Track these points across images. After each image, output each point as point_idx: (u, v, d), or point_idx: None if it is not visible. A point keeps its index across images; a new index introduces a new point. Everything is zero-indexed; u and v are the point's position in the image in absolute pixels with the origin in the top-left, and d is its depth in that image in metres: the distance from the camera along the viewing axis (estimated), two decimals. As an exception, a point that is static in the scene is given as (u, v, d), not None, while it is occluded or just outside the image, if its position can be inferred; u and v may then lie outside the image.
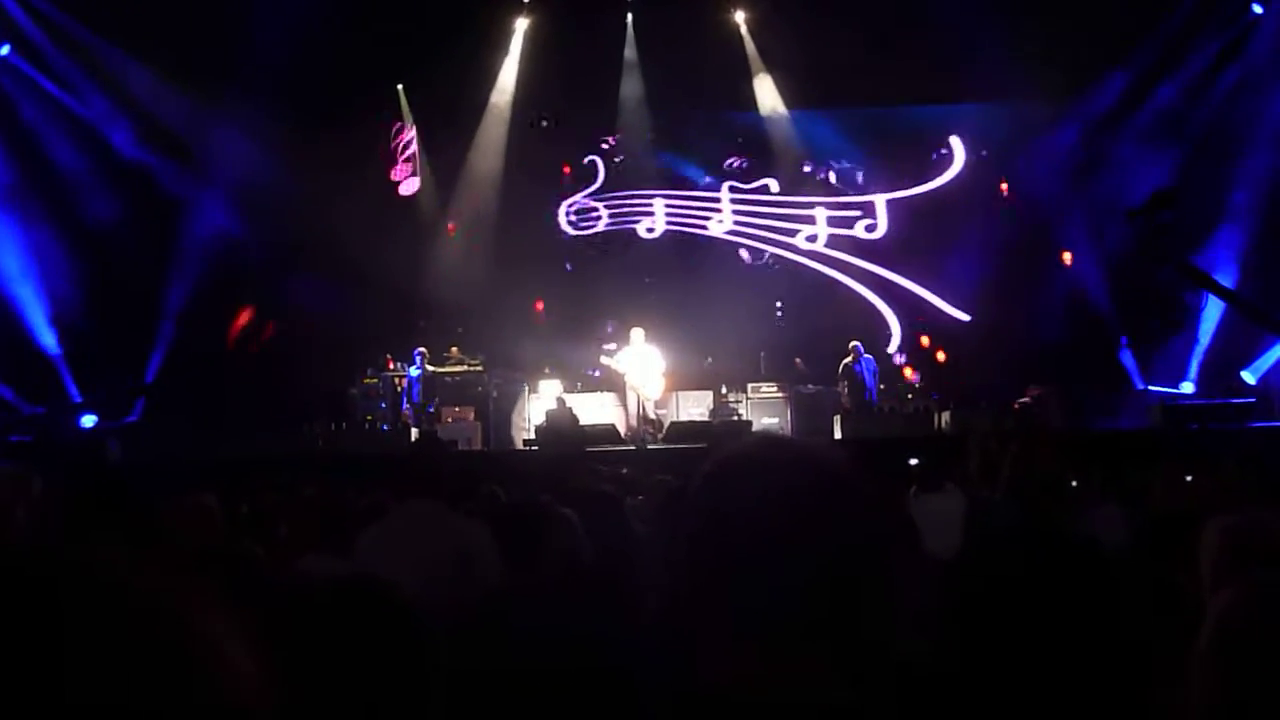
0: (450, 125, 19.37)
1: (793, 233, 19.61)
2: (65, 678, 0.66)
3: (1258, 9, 17.44)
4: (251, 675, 0.75)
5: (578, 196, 19.84)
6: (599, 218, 19.85)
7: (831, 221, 19.53)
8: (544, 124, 19.25)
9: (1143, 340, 17.21)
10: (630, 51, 19.37)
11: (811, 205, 19.55)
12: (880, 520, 1.35)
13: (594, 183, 19.89)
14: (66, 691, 0.66)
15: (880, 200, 19.34)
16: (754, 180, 19.73)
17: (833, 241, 19.46)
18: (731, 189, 19.81)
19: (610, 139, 19.72)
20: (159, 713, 0.69)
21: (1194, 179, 15.97)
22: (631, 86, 19.42)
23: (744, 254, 19.34)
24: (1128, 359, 17.48)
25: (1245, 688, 1.89)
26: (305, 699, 1.48)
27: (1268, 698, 1.86)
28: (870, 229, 19.42)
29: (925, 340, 18.30)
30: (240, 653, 0.75)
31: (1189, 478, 7.30)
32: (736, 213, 19.77)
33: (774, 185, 19.65)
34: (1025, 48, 16.36)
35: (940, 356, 17.99)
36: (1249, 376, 16.30)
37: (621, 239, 19.74)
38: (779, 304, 18.88)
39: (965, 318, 18.51)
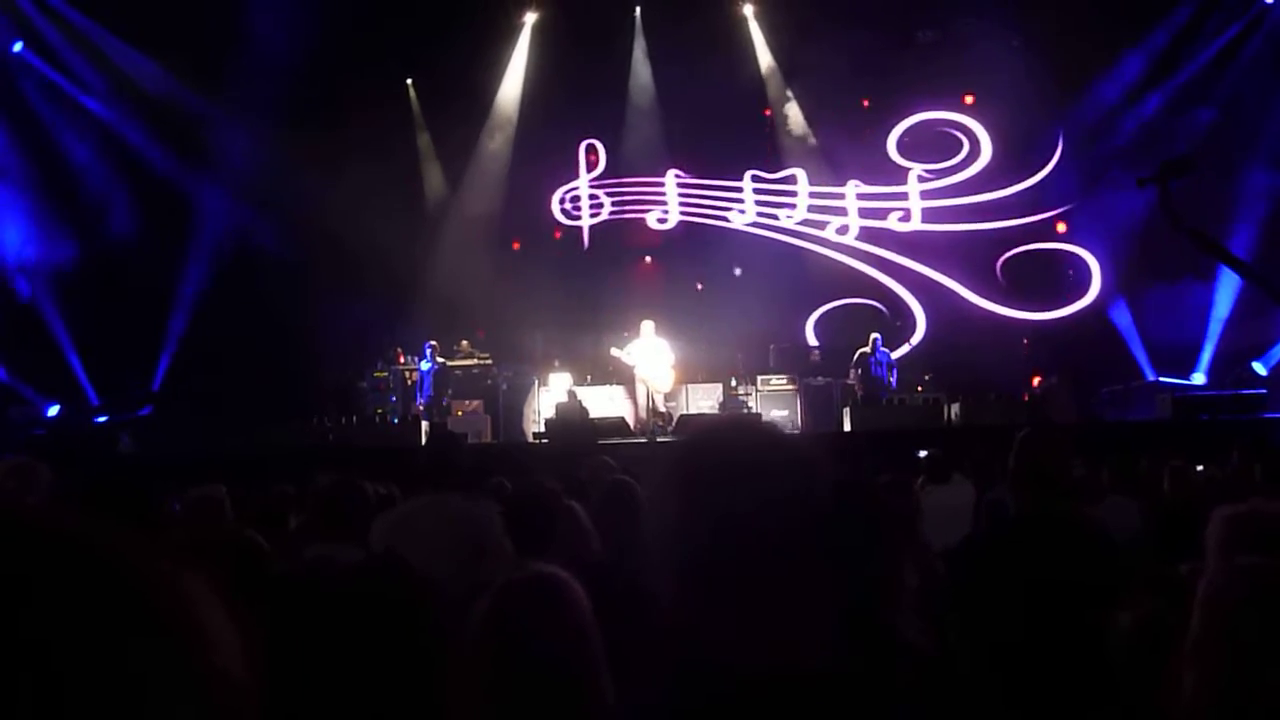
0: (459, 119, 19.38)
1: (822, 224, 19.28)
2: (56, 648, 0.68)
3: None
4: (240, 653, 0.76)
5: (577, 183, 19.70)
6: (600, 205, 19.69)
7: (864, 213, 19.18)
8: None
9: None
10: (639, 42, 19.31)
11: (843, 196, 19.18)
12: (837, 497, 1.39)
13: (595, 169, 19.66)
14: (55, 661, 0.67)
15: (914, 190, 19.07)
16: (780, 170, 19.41)
17: (864, 233, 19.13)
18: (755, 178, 19.39)
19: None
20: (144, 681, 0.70)
21: (1212, 156, 15.96)
22: (640, 78, 19.35)
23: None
24: (1138, 349, 17.46)
25: (1230, 666, 1.91)
26: (324, 673, 1.51)
27: (1250, 674, 1.88)
28: (904, 219, 19.14)
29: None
30: (231, 631, 0.76)
31: (1199, 468, 7.31)
32: (760, 204, 19.42)
33: (802, 176, 19.31)
34: (1039, 33, 16.34)
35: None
36: (1260, 368, 16.27)
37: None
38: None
39: (1000, 310, 18.40)
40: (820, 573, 1.33)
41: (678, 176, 19.44)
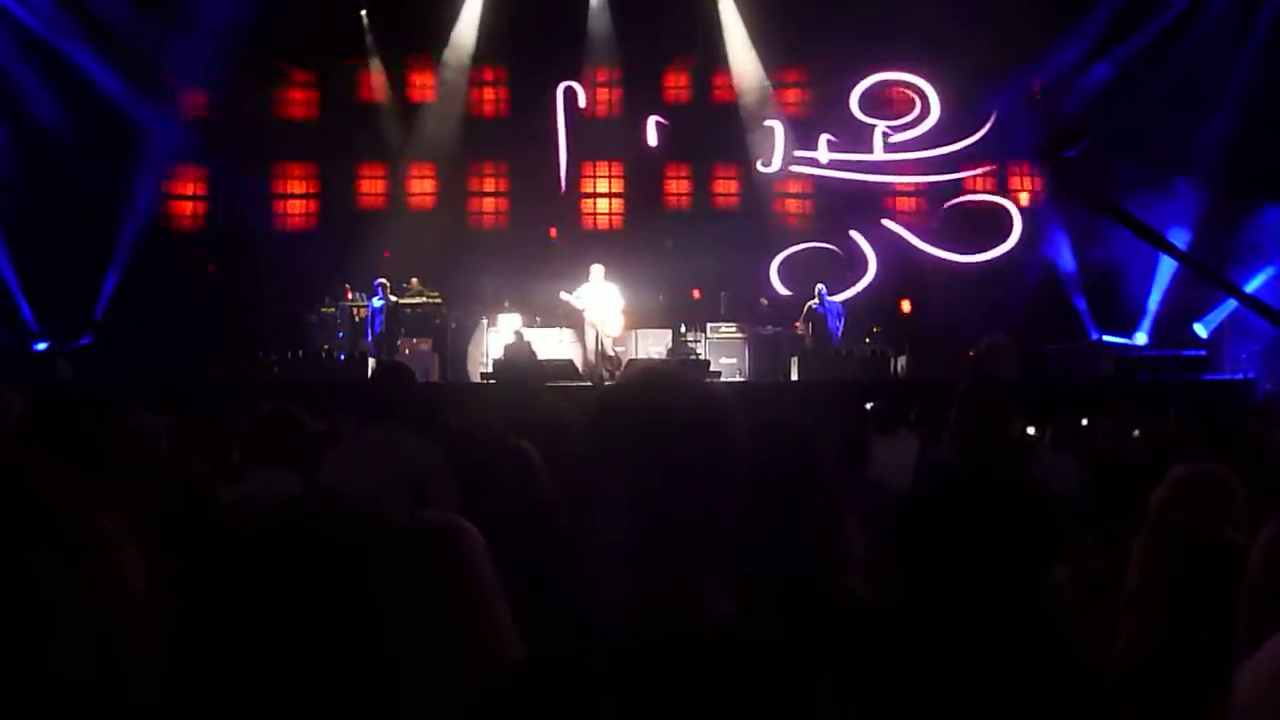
0: (414, 54, 19.04)
1: (794, 175, 19.33)
2: None
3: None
4: (143, 566, 0.81)
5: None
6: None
7: (833, 165, 19.04)
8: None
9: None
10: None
11: (815, 148, 19.02)
12: (736, 446, 1.40)
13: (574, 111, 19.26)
14: None
15: (879, 145, 18.99)
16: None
17: (830, 183, 19.17)
18: None
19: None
20: (46, 583, 0.75)
21: (1152, 138, 16.13)
22: (599, 25, 19.03)
23: None
24: (1082, 308, 17.71)
25: (1160, 618, 1.97)
26: (263, 608, 1.49)
27: (1179, 626, 1.94)
28: (870, 171, 19.17)
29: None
30: (134, 546, 0.81)
31: (1136, 431, 7.44)
32: None
33: (779, 128, 19.07)
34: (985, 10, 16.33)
35: (905, 307, 17.87)
36: (1201, 330, 16.51)
37: None
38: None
39: (958, 258, 18.56)
40: (727, 531, 1.37)
41: (658, 123, 19.16)
